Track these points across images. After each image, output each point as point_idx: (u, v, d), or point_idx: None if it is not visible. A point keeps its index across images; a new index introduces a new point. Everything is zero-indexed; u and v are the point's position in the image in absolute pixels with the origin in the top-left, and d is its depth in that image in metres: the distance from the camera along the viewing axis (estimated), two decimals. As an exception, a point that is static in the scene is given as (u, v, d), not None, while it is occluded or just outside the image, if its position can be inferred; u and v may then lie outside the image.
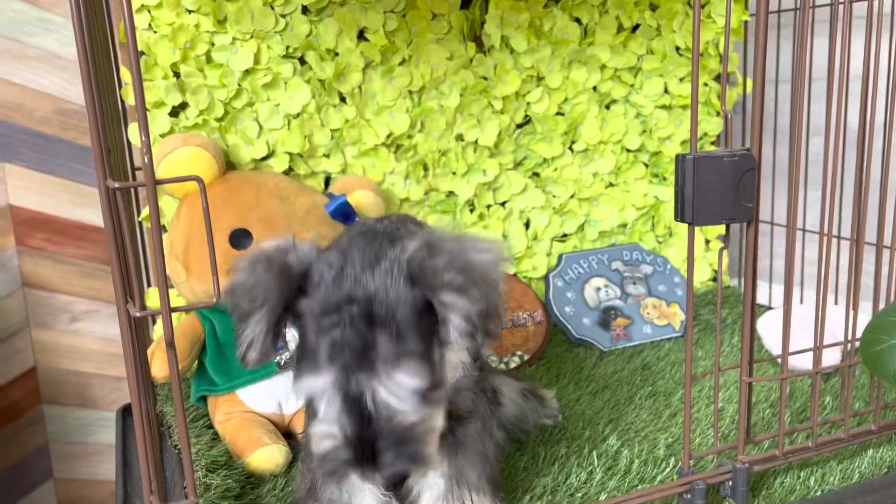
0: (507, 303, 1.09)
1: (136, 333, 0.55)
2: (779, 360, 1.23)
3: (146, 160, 0.51)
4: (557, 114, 1.36)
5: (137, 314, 0.53)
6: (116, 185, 0.51)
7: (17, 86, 1.48)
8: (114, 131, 0.97)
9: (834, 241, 0.83)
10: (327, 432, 0.62)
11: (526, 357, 1.26)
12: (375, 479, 0.62)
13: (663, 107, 1.41)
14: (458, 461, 0.75)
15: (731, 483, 0.79)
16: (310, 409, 0.73)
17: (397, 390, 0.61)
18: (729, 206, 0.71)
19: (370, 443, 0.61)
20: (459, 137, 1.30)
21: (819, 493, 0.83)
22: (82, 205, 1.54)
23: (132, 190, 1.08)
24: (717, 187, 0.70)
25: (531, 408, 0.97)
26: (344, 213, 1.12)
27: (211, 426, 1.01)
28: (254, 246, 1.05)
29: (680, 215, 0.72)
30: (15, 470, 1.65)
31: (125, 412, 1.23)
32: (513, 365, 1.24)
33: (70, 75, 1.49)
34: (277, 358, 1.02)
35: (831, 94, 0.78)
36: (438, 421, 0.66)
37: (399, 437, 0.61)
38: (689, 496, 0.77)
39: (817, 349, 0.80)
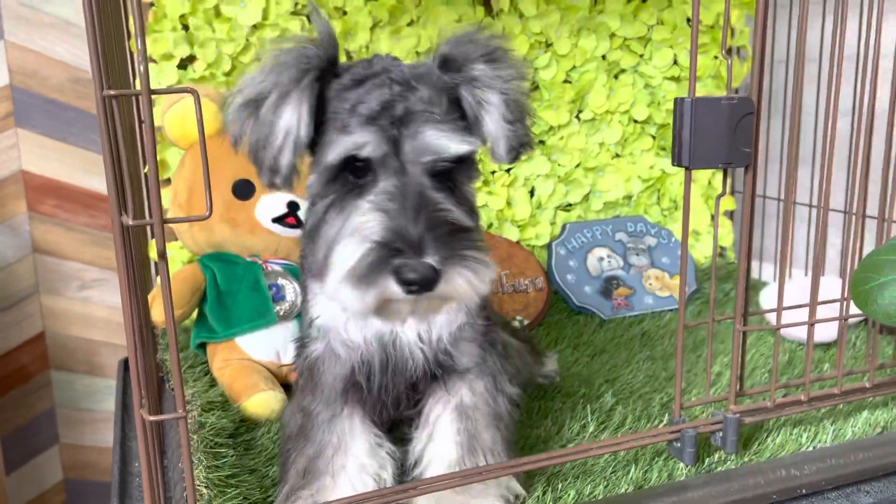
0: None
1: (130, 244, 0.56)
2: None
3: (142, 68, 0.51)
4: (565, 81, 1.36)
5: (131, 223, 0.53)
6: (112, 92, 0.51)
7: (33, 53, 1.49)
8: (118, 78, 0.98)
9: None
10: (372, 218, 0.59)
11: (526, 322, 1.26)
12: (418, 267, 0.57)
13: (672, 78, 1.41)
14: (469, 425, 0.73)
15: (721, 434, 0.79)
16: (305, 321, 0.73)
17: (445, 144, 0.61)
18: (726, 151, 0.70)
19: (417, 233, 0.58)
20: (466, 101, 1.30)
21: (810, 450, 0.83)
22: (95, 173, 1.55)
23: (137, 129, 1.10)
24: (715, 131, 0.70)
25: (524, 362, 0.97)
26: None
27: (209, 373, 1.02)
28: (256, 197, 1.06)
29: (677, 159, 0.72)
30: (22, 433, 1.67)
31: (125, 365, 1.24)
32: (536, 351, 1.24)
33: (84, 44, 1.50)
34: (277, 308, 1.03)
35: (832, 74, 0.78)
36: (482, 236, 0.65)
37: (446, 230, 0.59)
38: (678, 444, 0.77)
39: (812, 305, 0.80)
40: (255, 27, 1.15)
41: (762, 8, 0.71)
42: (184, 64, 1.15)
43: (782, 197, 1.42)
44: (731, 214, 1.55)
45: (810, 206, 1.29)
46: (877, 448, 0.82)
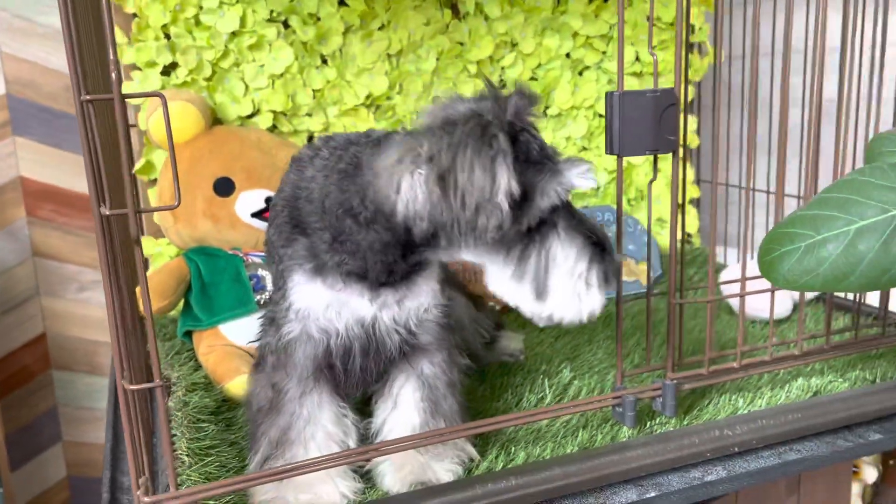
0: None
1: (109, 233, 0.63)
2: (733, 305, 1.30)
3: (114, 76, 0.58)
4: (531, 79, 1.43)
5: (107, 213, 0.60)
6: (88, 97, 0.58)
7: (28, 63, 1.56)
8: (103, 85, 1.05)
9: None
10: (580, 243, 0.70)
11: (498, 308, 1.33)
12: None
13: (634, 74, 1.48)
14: (430, 393, 0.81)
15: (661, 399, 0.86)
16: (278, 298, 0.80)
17: None
18: (652, 139, 0.77)
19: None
20: (437, 99, 1.37)
21: (745, 413, 0.90)
22: (90, 178, 1.61)
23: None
24: (642, 121, 0.77)
25: (477, 328, 1.04)
26: (322, 165, 1.19)
27: (194, 359, 1.10)
28: (236, 194, 1.13)
29: (609, 147, 0.79)
30: (25, 432, 1.74)
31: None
32: (495, 322, 1.31)
33: (76, 51, 1.57)
34: (258, 297, 1.10)
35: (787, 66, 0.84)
36: None
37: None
38: (620, 409, 0.84)
39: (742, 281, 0.87)
40: (233, 34, 1.23)
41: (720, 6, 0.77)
42: (167, 70, 1.22)
43: (744, 185, 1.49)
44: (696, 202, 1.62)
45: (768, 192, 1.36)
46: (806, 410, 0.89)
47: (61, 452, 1.80)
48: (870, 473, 1.48)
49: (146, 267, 1.30)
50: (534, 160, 0.67)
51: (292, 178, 0.78)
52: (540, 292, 0.69)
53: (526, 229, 0.68)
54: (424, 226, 0.65)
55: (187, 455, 0.80)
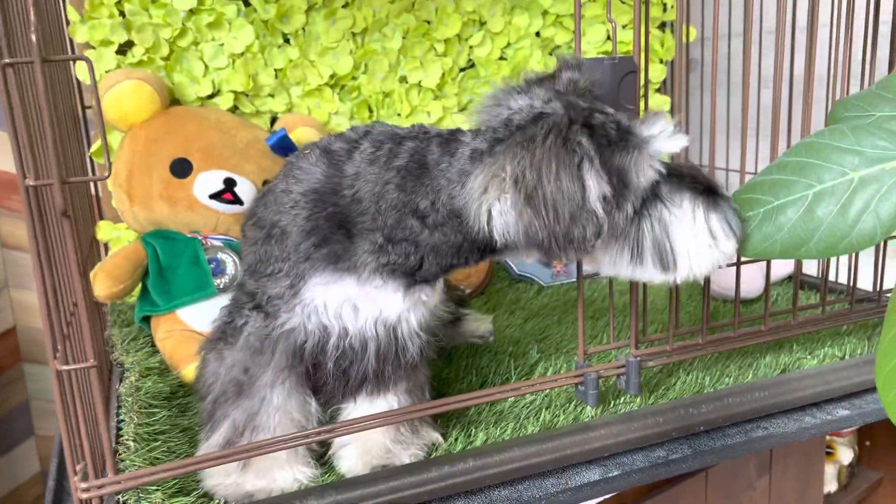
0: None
1: (37, 205, 0.59)
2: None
3: (34, 38, 0.55)
4: (500, 58, 1.40)
5: (32, 184, 0.57)
6: (8, 60, 0.55)
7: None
8: (57, 69, 1.02)
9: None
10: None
11: (468, 292, 1.31)
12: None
13: (606, 53, 1.45)
14: (413, 387, 0.80)
15: (625, 377, 0.83)
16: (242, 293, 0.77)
17: None
18: (611, 107, 0.75)
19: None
20: (403, 79, 1.34)
21: (711, 391, 0.88)
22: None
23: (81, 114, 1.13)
24: (599, 89, 0.74)
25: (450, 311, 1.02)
26: (284, 146, 1.16)
27: (152, 344, 1.07)
28: (194, 175, 1.10)
29: (567, 117, 0.76)
30: (-3, 426, 1.70)
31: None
32: (456, 298, 1.29)
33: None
34: (217, 281, 1.07)
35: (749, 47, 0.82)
36: None
37: None
38: (583, 387, 0.82)
39: (708, 252, 0.85)
40: (191, 12, 1.19)
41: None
42: (123, 50, 1.18)
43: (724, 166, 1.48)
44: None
45: (727, 169, 1.35)
46: (773, 387, 0.87)
47: (34, 447, 1.76)
48: (845, 454, 1.47)
49: (105, 251, 1.27)
50: (615, 140, 0.64)
51: (321, 170, 0.72)
52: (666, 265, 0.67)
53: (633, 213, 0.65)
54: (523, 247, 0.64)
55: (133, 440, 0.77)
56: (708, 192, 0.67)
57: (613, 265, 0.69)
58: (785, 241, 0.61)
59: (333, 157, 0.73)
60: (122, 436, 0.80)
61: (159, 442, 0.79)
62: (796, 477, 1.10)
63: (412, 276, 0.72)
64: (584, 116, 0.64)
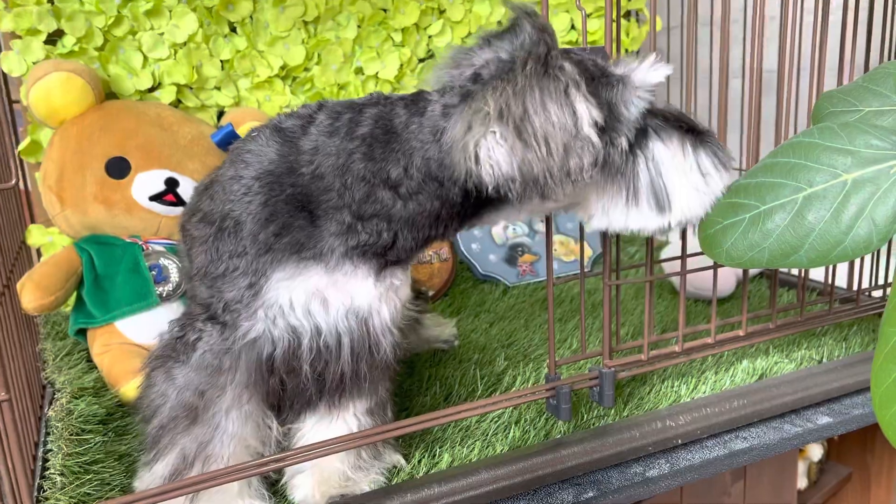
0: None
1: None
2: (675, 284, 1.25)
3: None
4: (461, 48, 1.34)
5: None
6: None
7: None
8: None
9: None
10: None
11: (430, 293, 1.25)
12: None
13: (571, 43, 1.40)
14: (377, 403, 0.74)
15: (598, 389, 0.78)
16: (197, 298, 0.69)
17: None
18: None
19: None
20: (359, 70, 1.27)
21: (688, 401, 0.84)
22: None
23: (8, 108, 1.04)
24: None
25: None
26: (231, 142, 1.08)
27: (88, 359, 0.98)
28: (132, 175, 1.02)
29: (534, 113, 0.70)
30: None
31: None
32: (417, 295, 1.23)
33: None
34: (160, 290, 0.99)
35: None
36: None
37: None
38: (554, 401, 0.77)
39: (683, 258, 0.80)
40: (127, -2, 1.10)
41: None
42: (52, 39, 1.09)
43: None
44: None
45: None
46: (752, 395, 0.83)
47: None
48: (815, 451, 1.45)
49: (38, 257, 1.17)
50: (596, 75, 0.60)
51: (275, 149, 0.65)
52: (661, 204, 0.64)
53: (628, 146, 0.62)
54: (518, 187, 0.57)
55: (60, 474, 0.69)
56: (692, 130, 0.65)
57: (606, 212, 0.66)
58: (773, 250, 0.57)
59: (286, 135, 0.66)
60: (48, 468, 0.72)
61: (91, 475, 0.71)
62: (771, 481, 1.07)
63: (383, 257, 0.66)
64: (562, 50, 0.60)
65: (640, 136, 0.63)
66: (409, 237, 0.65)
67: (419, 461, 0.75)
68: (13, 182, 0.51)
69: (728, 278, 1.17)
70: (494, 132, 0.56)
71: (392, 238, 0.65)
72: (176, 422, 0.67)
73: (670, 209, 0.64)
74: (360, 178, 0.62)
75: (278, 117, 0.69)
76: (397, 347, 0.71)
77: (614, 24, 0.73)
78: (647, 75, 0.62)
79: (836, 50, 0.90)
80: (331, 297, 0.66)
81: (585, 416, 0.81)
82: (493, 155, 0.56)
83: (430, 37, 1.31)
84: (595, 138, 0.57)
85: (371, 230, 0.64)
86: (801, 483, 1.44)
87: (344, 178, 0.63)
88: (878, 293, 0.96)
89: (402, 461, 0.74)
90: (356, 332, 0.67)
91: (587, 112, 0.57)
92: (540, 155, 0.56)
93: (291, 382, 0.69)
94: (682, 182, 0.64)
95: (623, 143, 0.61)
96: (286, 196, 0.64)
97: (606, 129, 0.60)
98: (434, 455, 0.75)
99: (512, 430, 0.78)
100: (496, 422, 0.81)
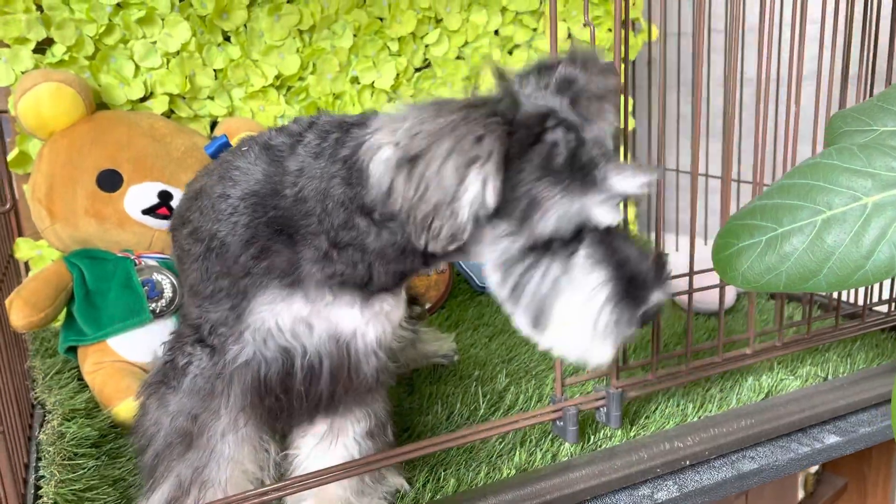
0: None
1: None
2: (678, 300, 1.23)
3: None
4: (458, 58, 1.33)
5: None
6: None
7: None
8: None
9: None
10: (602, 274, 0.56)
11: (427, 306, 1.23)
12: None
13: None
14: (377, 425, 0.72)
15: (605, 409, 0.77)
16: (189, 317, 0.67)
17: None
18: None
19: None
20: (354, 80, 1.25)
21: (695, 420, 0.82)
22: None
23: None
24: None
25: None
26: (225, 154, 1.06)
27: (79, 378, 0.96)
28: (124, 188, 0.99)
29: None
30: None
31: None
32: (414, 314, 1.21)
33: None
34: (153, 306, 0.97)
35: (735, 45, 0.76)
36: None
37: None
38: (561, 423, 0.75)
39: (690, 274, 0.79)
40: (118, 6, 1.08)
41: None
42: (41, 48, 1.06)
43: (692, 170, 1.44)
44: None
45: (707, 176, 1.30)
46: (759, 414, 0.82)
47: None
48: (812, 462, 1.45)
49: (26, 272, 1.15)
50: (556, 168, 0.54)
51: (261, 169, 0.63)
52: (537, 321, 0.58)
53: (528, 248, 0.56)
54: (386, 207, 0.56)
55: (54, 503, 0.67)
56: (632, 281, 0.57)
57: (496, 291, 0.59)
58: (791, 273, 0.55)
59: (274, 154, 0.64)
60: (41, 496, 0.69)
61: (88, 502, 0.69)
62: (773, 496, 1.06)
63: (365, 288, 0.64)
64: (536, 121, 0.54)
65: (561, 250, 0.57)
66: (383, 271, 0.63)
67: (423, 485, 0.73)
68: (8, 206, 0.48)
69: (728, 290, 1.16)
70: (391, 149, 0.54)
71: (367, 272, 0.63)
72: (171, 448, 0.65)
73: (543, 332, 0.58)
74: (339, 202, 0.60)
75: (269, 132, 0.68)
76: (383, 371, 0.69)
77: (622, 35, 0.71)
78: (594, 208, 0.55)
79: (814, 59, 0.89)
80: (315, 323, 0.64)
81: (592, 437, 0.79)
82: (378, 169, 0.55)
83: (426, 46, 1.30)
84: (464, 216, 0.53)
85: (346, 260, 0.62)
86: (799, 494, 1.44)
87: (325, 203, 0.61)
88: (882, 308, 0.95)
89: (406, 485, 0.73)
90: (335, 355, 0.65)
91: (477, 192, 0.52)
92: (411, 195, 0.53)
93: (286, 402, 0.67)
94: (569, 320, 0.57)
95: (520, 243, 0.56)
96: (268, 219, 0.62)
97: (503, 216, 0.55)
98: (439, 479, 0.74)
99: (518, 452, 0.77)
100: (501, 442, 0.80)
